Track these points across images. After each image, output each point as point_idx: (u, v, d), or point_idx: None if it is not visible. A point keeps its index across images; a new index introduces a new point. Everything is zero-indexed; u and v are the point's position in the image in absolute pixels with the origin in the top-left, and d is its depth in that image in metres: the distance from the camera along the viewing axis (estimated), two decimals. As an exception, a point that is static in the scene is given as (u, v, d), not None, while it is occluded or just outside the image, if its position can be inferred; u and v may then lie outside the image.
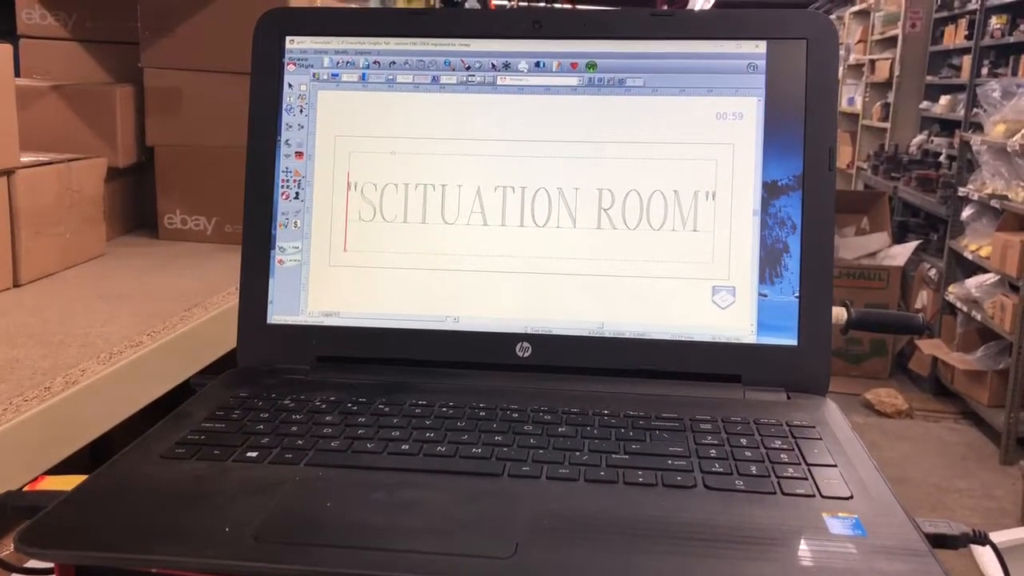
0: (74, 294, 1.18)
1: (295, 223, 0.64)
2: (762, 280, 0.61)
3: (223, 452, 0.48)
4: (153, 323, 1.05)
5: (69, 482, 0.44)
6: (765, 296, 0.61)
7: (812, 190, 0.61)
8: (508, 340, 0.62)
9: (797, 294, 0.60)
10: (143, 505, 0.43)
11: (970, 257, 3.23)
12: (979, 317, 3.10)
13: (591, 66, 0.63)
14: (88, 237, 1.31)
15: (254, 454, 0.48)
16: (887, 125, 5.36)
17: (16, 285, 1.16)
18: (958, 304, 3.28)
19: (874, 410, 3.31)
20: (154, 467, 0.47)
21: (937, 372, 3.42)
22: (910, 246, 3.83)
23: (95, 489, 0.44)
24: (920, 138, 4.87)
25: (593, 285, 0.62)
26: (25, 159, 1.15)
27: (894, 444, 2.98)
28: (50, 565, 0.40)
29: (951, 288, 3.37)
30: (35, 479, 0.45)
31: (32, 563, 0.47)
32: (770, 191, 0.61)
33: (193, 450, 0.49)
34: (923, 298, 3.75)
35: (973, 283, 3.20)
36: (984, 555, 1.07)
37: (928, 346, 3.41)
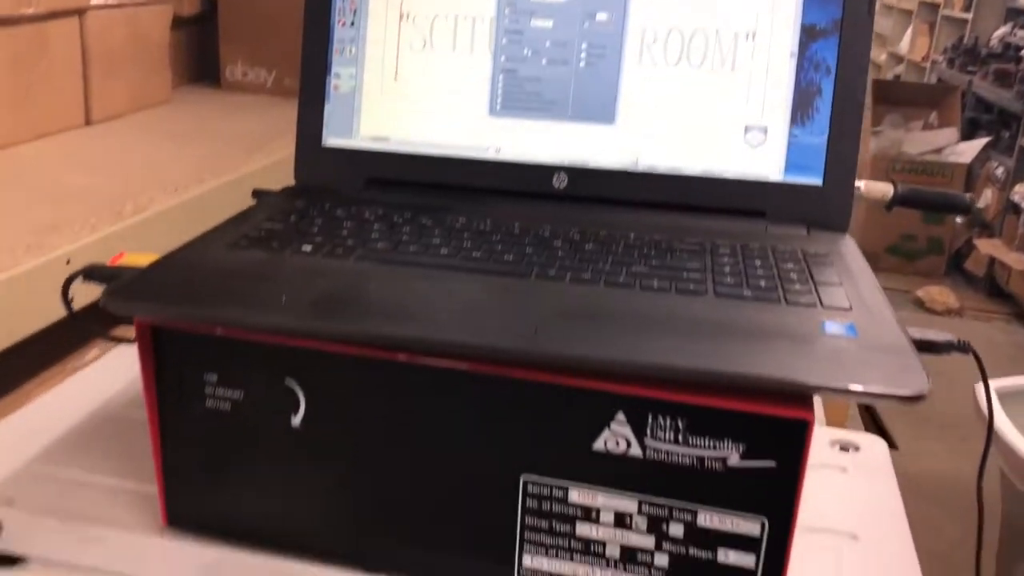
0: (141, 135, 1.24)
1: (350, 50, 0.67)
2: (793, 121, 0.63)
3: (281, 244, 0.54)
4: (217, 163, 1.11)
5: (145, 259, 0.50)
6: (795, 137, 0.63)
7: (849, 35, 0.62)
8: (546, 171, 0.65)
9: (826, 135, 0.62)
10: (212, 278, 0.49)
11: (1040, 155, 3.13)
12: (1042, 217, 3.03)
13: (641, -98, 0.64)
14: (154, 82, 1.36)
15: (308, 247, 0.54)
16: (969, 16, 5.09)
17: (88, 123, 1.22)
18: (1023, 204, 3.20)
19: (924, 307, 3.29)
20: (220, 252, 0.53)
21: (993, 272, 3.37)
22: (978, 143, 3.71)
23: (169, 264, 0.50)
24: (1003, 30, 4.62)
25: (630, 120, 0.64)
26: (95, 1, 1.20)
27: (939, 340, 2.98)
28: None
29: (1017, 187, 3.28)
30: (115, 256, 0.51)
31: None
32: (808, 34, 0.62)
33: (254, 242, 0.54)
34: (987, 196, 3.66)
35: (1040, 182, 3.12)
36: (984, 399, 1.09)
37: (986, 245, 3.35)
